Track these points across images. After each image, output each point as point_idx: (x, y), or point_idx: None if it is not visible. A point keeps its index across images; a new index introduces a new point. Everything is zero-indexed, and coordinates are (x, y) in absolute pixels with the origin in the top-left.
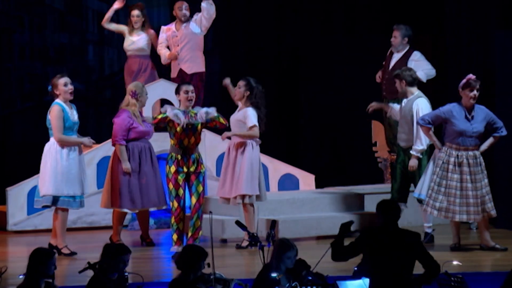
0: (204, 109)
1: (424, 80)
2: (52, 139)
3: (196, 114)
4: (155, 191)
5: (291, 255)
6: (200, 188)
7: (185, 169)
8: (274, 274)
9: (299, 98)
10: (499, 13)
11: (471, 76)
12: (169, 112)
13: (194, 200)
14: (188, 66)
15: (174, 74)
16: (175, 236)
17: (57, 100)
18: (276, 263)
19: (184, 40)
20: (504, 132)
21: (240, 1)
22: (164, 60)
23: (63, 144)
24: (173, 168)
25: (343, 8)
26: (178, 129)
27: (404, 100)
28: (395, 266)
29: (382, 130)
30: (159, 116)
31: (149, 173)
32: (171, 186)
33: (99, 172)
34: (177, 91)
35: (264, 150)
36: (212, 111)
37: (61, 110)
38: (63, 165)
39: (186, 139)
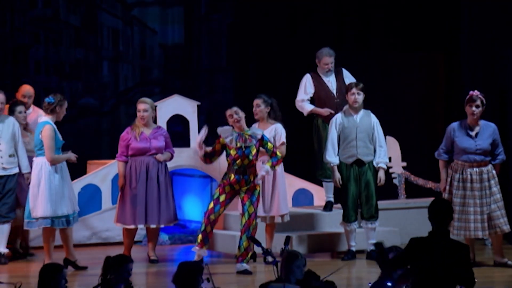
0: (255, 130)
1: None
2: (39, 159)
3: (250, 136)
4: (144, 209)
5: (300, 264)
6: (252, 210)
7: (236, 187)
8: None
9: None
10: None
11: (473, 92)
12: (227, 138)
13: (244, 220)
14: None
15: None
16: (200, 237)
17: (48, 120)
18: (286, 275)
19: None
20: (498, 160)
21: (252, 18)
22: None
23: (54, 163)
24: (225, 182)
25: (357, 25)
26: (231, 151)
27: (354, 116)
28: (438, 277)
29: (396, 145)
30: (216, 146)
31: (140, 191)
32: (217, 190)
33: (114, 188)
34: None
35: None
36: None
37: (53, 130)
38: (56, 185)
39: (240, 161)
